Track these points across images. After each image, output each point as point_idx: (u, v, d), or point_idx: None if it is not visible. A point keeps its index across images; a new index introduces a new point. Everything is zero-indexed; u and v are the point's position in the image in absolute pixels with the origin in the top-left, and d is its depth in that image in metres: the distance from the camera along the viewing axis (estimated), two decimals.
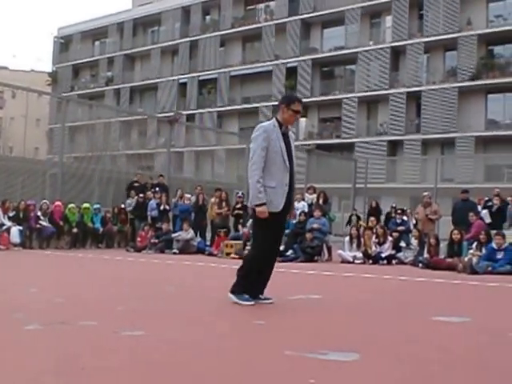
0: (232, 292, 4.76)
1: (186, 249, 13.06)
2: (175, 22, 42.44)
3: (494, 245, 10.07)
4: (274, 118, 4.88)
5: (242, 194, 14.12)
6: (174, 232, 13.70)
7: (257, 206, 4.68)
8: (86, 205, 14.35)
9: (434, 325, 4.10)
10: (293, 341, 3.31)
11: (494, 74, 29.97)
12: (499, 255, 9.83)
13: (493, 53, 31.53)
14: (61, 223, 13.69)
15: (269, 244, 4.76)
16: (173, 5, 42.58)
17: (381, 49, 33.58)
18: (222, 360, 2.78)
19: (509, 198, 13.69)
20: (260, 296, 4.87)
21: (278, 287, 6.55)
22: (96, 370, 2.48)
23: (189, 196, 14.92)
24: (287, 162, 4.72)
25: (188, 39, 41.60)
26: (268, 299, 4.86)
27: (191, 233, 13.47)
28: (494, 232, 10.71)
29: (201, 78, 40.85)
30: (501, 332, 3.87)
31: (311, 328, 3.82)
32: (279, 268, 9.48)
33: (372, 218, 13.37)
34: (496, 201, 13.20)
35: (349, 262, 11.55)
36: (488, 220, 12.56)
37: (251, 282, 4.78)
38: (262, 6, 39.73)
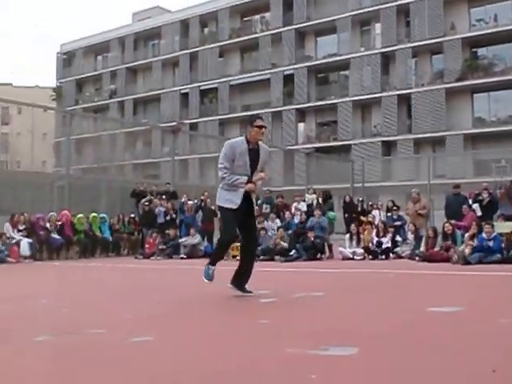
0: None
1: (193, 253, 13.20)
2: (174, 35, 43.48)
3: (484, 235, 10.39)
4: (244, 136, 5.59)
5: None
6: (181, 237, 13.83)
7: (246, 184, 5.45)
8: (93, 214, 14.54)
9: (429, 315, 4.25)
10: (295, 338, 3.37)
11: (479, 75, 30.95)
12: (490, 244, 10.20)
13: (476, 55, 32.42)
14: (70, 234, 13.80)
15: (230, 233, 5.52)
16: (171, 19, 43.78)
17: (371, 55, 34.62)
18: (225, 358, 2.88)
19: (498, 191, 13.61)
20: (245, 288, 5.55)
21: (283, 285, 6.85)
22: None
23: (191, 203, 14.84)
24: (249, 172, 5.43)
25: (187, 51, 42.65)
26: (250, 292, 5.52)
27: (198, 237, 13.66)
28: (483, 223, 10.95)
29: (202, 88, 41.86)
30: (492, 319, 4.01)
31: (313, 325, 3.89)
32: (284, 268, 10.22)
33: (372, 214, 14.02)
34: (485, 194, 13.29)
35: (349, 259, 11.91)
36: (479, 213, 12.75)
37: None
38: (257, 17, 40.75)
